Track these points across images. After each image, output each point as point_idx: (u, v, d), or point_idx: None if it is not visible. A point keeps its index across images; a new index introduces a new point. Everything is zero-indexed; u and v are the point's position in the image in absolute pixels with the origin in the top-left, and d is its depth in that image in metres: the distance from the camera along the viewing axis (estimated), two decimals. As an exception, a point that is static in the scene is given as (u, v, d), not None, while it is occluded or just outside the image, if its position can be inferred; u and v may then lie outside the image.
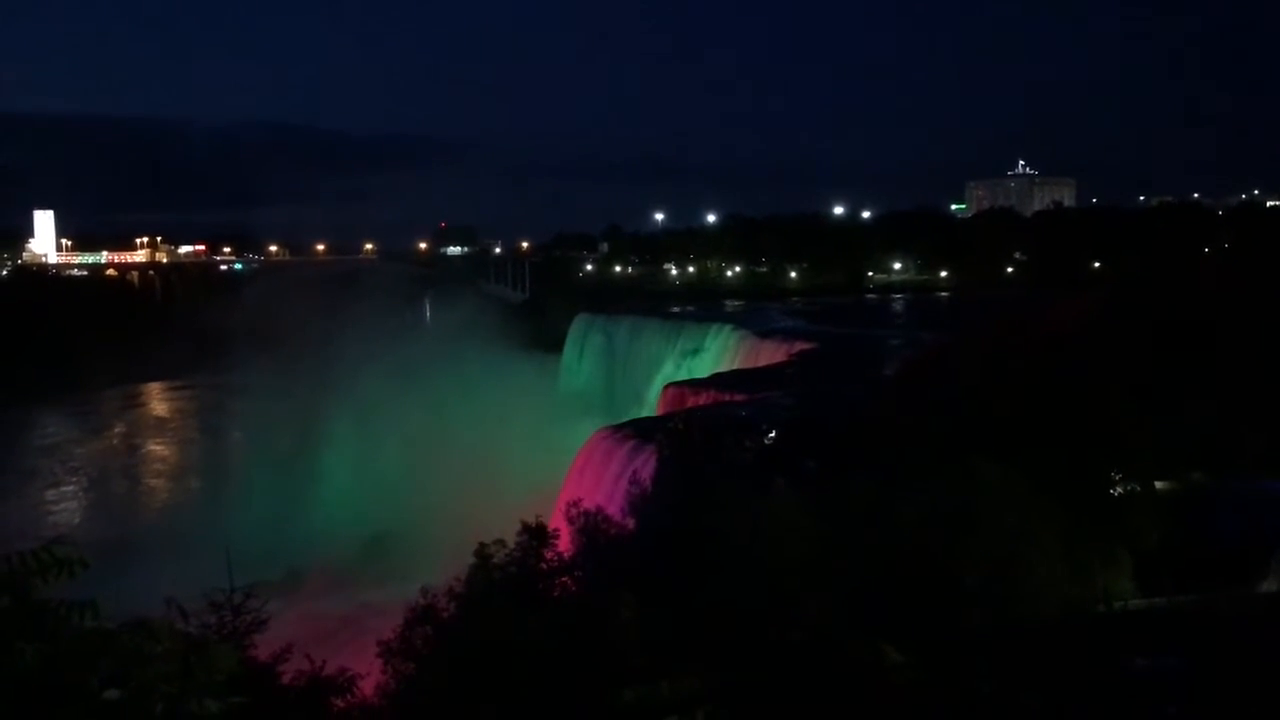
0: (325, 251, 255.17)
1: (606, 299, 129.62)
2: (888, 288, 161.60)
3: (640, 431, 47.87)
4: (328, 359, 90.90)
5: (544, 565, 21.66)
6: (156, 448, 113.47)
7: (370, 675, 19.21)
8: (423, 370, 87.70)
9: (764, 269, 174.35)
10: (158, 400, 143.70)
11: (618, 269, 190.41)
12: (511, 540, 21.72)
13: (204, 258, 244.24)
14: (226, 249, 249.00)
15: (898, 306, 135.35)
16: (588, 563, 22.45)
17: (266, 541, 61.82)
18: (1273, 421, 30.16)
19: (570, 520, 23.93)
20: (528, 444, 67.88)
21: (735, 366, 73.56)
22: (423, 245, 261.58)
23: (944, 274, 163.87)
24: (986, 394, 29.61)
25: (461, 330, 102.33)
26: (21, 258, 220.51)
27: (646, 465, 35.73)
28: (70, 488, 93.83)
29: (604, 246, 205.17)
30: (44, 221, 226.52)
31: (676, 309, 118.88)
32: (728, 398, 54.68)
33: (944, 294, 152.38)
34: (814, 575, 18.57)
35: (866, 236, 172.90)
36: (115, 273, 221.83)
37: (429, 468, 67.29)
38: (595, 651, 17.51)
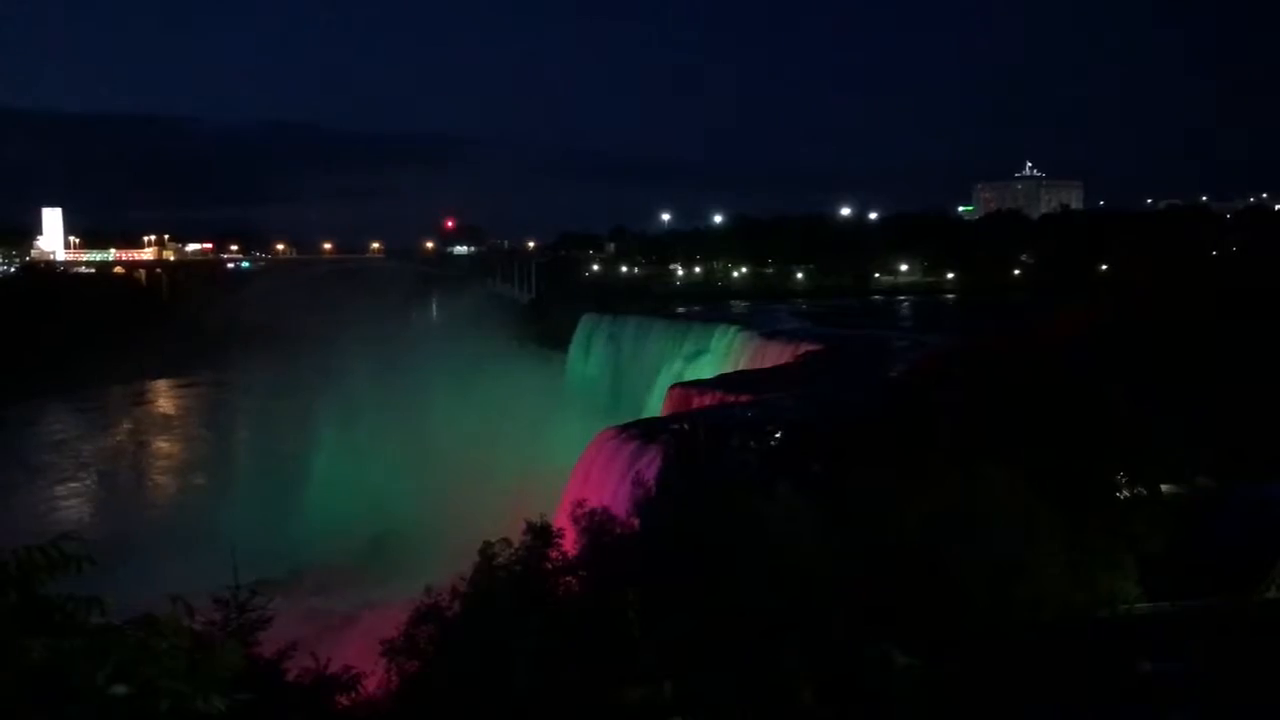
0: (332, 250, 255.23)
1: (612, 299, 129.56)
2: (894, 290, 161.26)
3: (645, 432, 47.80)
4: (333, 357, 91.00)
5: (548, 565, 21.67)
6: (163, 444, 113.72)
7: (374, 674, 19.24)
8: (428, 369, 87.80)
9: (770, 270, 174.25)
10: (164, 397, 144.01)
11: (624, 269, 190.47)
12: (516, 539, 21.74)
13: (211, 255, 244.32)
14: (233, 247, 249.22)
15: (904, 309, 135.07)
16: (592, 563, 22.45)
17: (271, 539, 61.95)
18: (1279, 426, 30.08)
19: (575, 520, 23.93)
20: (533, 443, 67.88)
21: (741, 368, 73.50)
22: (429, 244, 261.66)
23: (950, 276, 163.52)
24: (992, 397, 29.60)
25: (467, 329, 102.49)
26: (29, 255, 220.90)
27: (651, 466, 35.72)
28: (77, 484, 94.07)
29: (610, 246, 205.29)
30: (52, 219, 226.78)
31: (682, 309, 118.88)
32: (733, 399, 54.58)
33: (950, 296, 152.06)
34: (819, 577, 18.57)
35: (873, 238, 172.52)
36: (123, 270, 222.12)
37: (433, 466, 67.38)
38: (599, 651, 17.52)
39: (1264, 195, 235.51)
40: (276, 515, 68.53)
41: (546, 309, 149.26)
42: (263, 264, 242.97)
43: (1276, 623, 22.42)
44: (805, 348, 74.13)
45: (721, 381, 64.10)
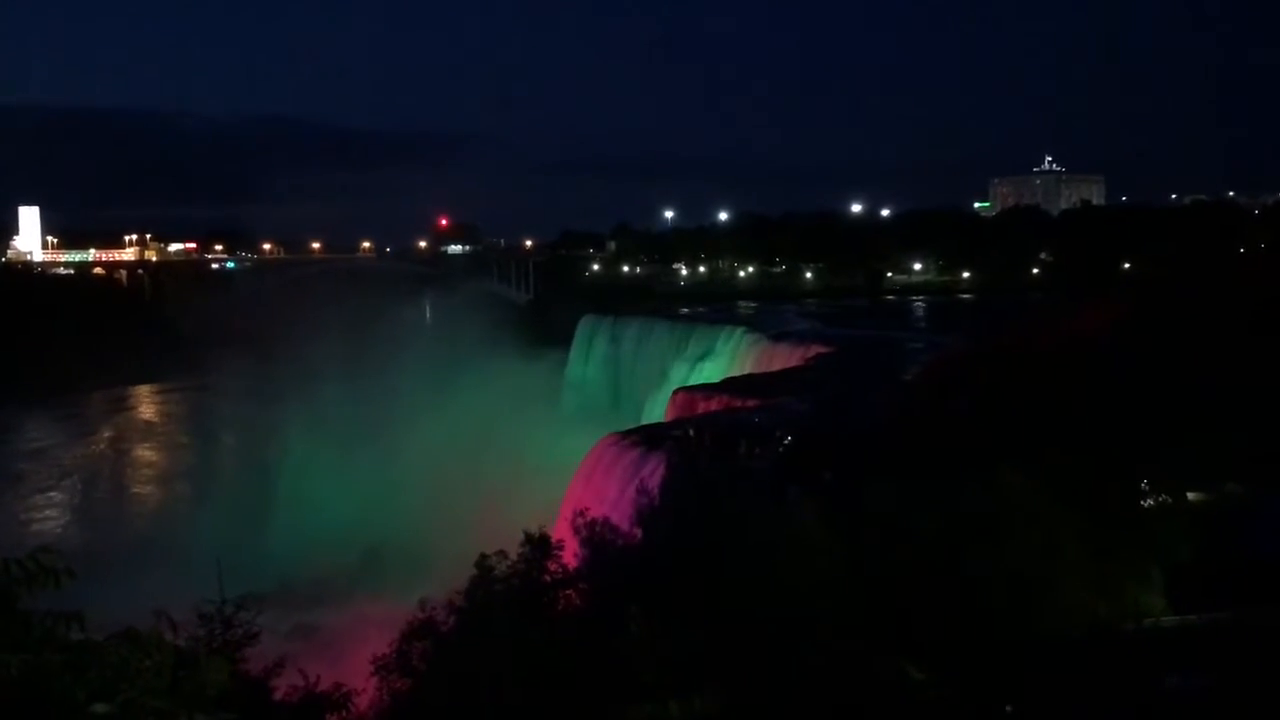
0: (321, 249, 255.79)
1: (614, 300, 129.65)
2: (908, 289, 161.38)
3: (648, 438, 47.87)
4: (322, 362, 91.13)
5: (547, 577, 21.65)
6: (145, 452, 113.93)
7: (365, 691, 19.23)
8: (422, 373, 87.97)
9: (778, 269, 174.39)
10: (146, 403, 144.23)
11: (625, 269, 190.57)
12: (513, 551, 21.72)
13: (195, 256, 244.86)
14: (218, 247, 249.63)
15: (918, 309, 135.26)
16: (593, 575, 22.42)
17: (258, 551, 62.17)
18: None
19: (575, 531, 23.91)
20: (531, 450, 67.99)
21: (748, 371, 73.53)
22: (422, 243, 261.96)
23: (966, 275, 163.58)
24: (1011, 401, 29.56)
25: (462, 331, 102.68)
26: (5, 255, 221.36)
27: (655, 474, 35.66)
28: (56, 493, 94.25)
29: (611, 245, 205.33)
30: (29, 218, 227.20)
31: (686, 310, 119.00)
32: (740, 404, 54.62)
33: (966, 296, 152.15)
34: (831, 589, 18.55)
35: (885, 236, 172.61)
36: (103, 271, 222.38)
37: (427, 474, 67.47)
38: (601, 668, 17.49)
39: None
40: (263, 525, 68.73)
41: (545, 310, 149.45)
42: (249, 264, 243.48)
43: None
44: (815, 350, 74.18)
45: (728, 385, 64.15)
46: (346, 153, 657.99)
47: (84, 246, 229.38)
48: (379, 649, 20.62)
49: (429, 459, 70.22)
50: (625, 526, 25.30)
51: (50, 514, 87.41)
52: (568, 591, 21.85)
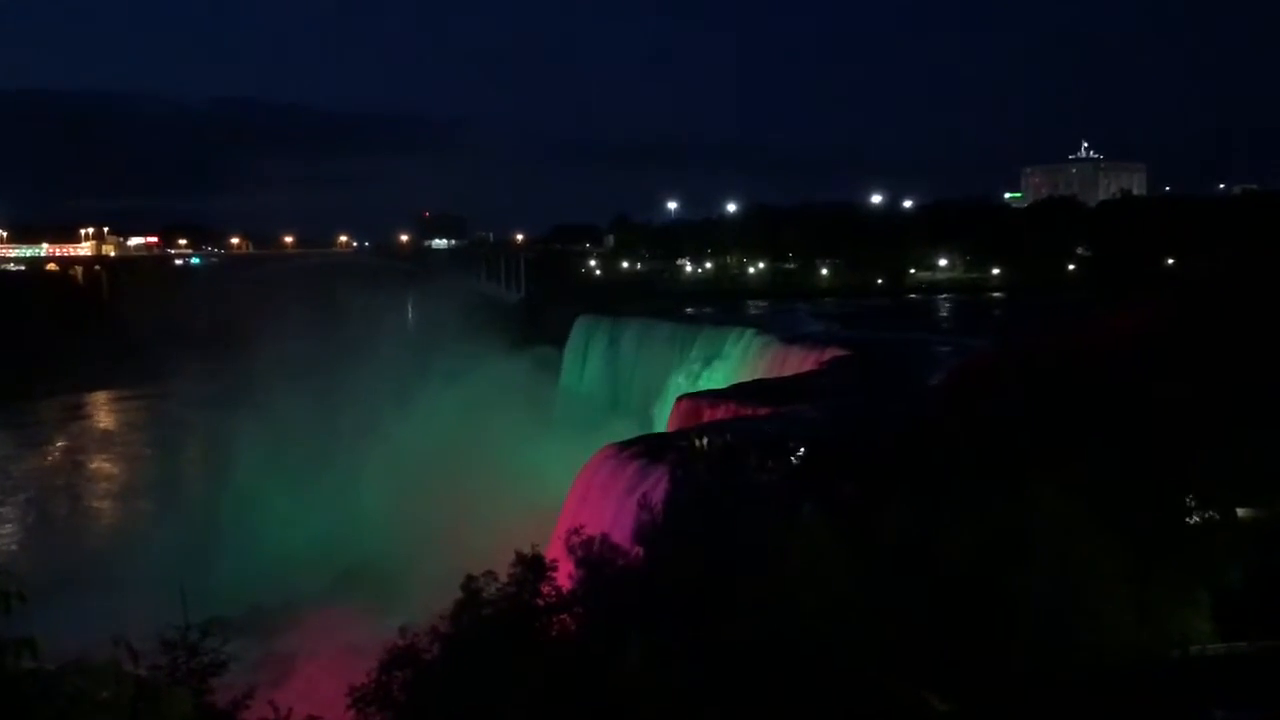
0: (294, 243, 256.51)
1: (612, 299, 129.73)
2: (932, 287, 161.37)
3: (650, 450, 47.87)
4: (292, 367, 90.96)
5: (540, 601, 21.67)
6: (103, 465, 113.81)
7: (342, 725, 19.24)
8: (401, 381, 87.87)
9: (791, 265, 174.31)
10: (104, 411, 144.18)
11: (625, 265, 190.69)
12: (504, 572, 21.74)
13: (157, 251, 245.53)
14: (182, 241, 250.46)
15: (943, 309, 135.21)
16: (590, 598, 22.44)
17: (227, 573, 62.07)
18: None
19: (571, 550, 23.93)
20: (523, 463, 67.88)
21: (758, 376, 73.54)
22: (405, 237, 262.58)
23: (996, 272, 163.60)
24: (1043, 409, 29.56)
25: (448, 334, 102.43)
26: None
27: (657, 488, 35.69)
28: (7, 509, 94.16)
29: (610, 239, 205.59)
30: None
31: (691, 311, 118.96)
32: (750, 412, 54.66)
33: (996, 295, 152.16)
34: (848, 613, 18.54)
35: (908, 229, 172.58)
36: (57, 267, 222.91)
37: (411, 490, 67.35)
38: (598, 700, 17.50)
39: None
40: (232, 545, 68.56)
41: (537, 310, 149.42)
42: (215, 260, 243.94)
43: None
44: (831, 354, 74.16)
45: (736, 392, 64.16)
46: (321, 138, 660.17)
47: (36, 241, 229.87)
48: (356, 679, 20.61)
49: (412, 473, 70.09)
50: (625, 545, 25.33)
51: (0, 532, 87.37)
52: (563, 616, 21.86)
